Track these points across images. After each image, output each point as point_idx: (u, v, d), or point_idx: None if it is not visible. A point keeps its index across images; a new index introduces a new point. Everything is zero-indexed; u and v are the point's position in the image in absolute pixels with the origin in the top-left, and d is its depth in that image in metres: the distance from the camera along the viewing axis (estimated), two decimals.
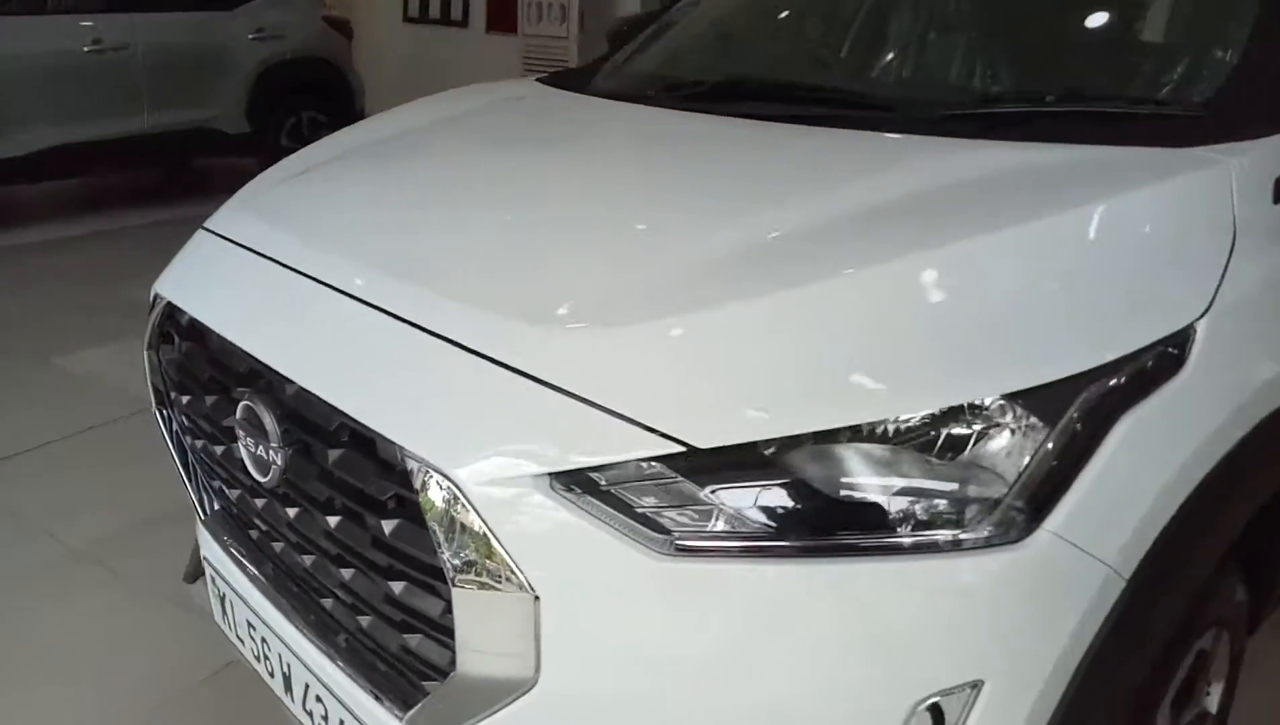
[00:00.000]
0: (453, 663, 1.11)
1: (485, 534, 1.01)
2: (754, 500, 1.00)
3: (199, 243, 1.66)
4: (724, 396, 1.02)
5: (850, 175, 1.43)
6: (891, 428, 1.00)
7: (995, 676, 0.99)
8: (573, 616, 1.01)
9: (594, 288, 1.20)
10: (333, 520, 1.22)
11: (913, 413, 1.00)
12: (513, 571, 1.01)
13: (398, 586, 1.16)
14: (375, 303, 1.24)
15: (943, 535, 0.98)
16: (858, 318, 1.09)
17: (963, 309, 1.09)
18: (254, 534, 1.54)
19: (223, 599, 1.59)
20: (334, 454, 1.19)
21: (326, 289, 1.32)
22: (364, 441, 1.16)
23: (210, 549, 1.62)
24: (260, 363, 1.31)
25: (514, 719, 1.05)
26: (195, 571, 1.81)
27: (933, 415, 1.00)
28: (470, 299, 1.20)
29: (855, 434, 0.99)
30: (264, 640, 1.47)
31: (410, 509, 1.11)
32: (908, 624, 0.98)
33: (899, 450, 1.00)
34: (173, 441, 1.68)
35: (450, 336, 1.14)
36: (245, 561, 1.52)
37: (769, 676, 0.99)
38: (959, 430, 1.00)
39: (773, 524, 0.99)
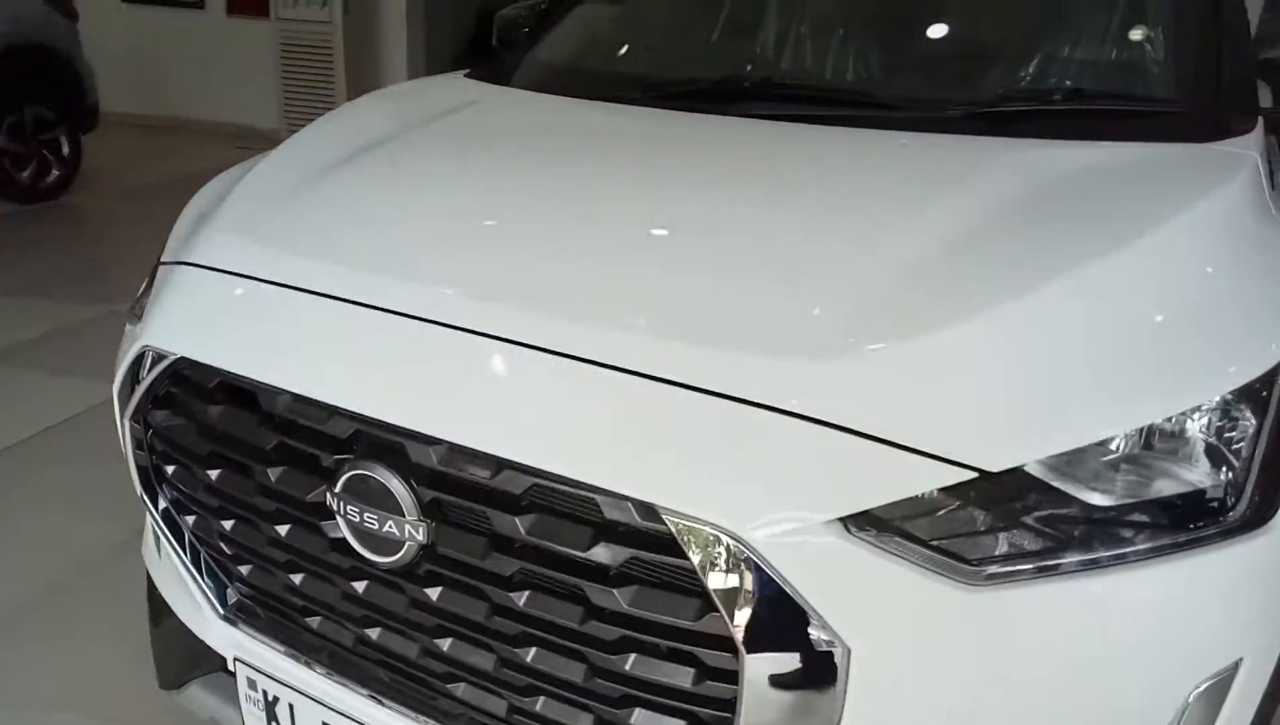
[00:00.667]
0: None
1: (785, 591, 0.91)
2: (1043, 519, 0.97)
3: (190, 283, 1.35)
4: (1001, 416, 0.99)
5: (952, 177, 1.43)
6: (1153, 431, 1.01)
7: (1252, 652, 1.05)
8: (880, 664, 0.94)
9: (813, 310, 1.10)
10: (520, 596, 1.05)
11: (1168, 413, 1.02)
12: (822, 625, 0.92)
13: (625, 660, 1.02)
14: (554, 348, 1.07)
15: (1208, 529, 1.01)
16: (1092, 323, 1.08)
17: (1173, 309, 1.13)
18: (324, 623, 1.30)
19: (271, 703, 1.33)
20: (526, 521, 1.02)
21: (459, 332, 1.12)
22: (568, 504, 1.00)
23: (242, 647, 1.35)
24: (378, 424, 1.09)
25: None
26: (179, 675, 1.51)
27: (1180, 416, 1.02)
28: (680, 335, 1.06)
29: (1125, 441, 1.00)
30: None
31: (652, 573, 0.97)
32: (1186, 617, 1.00)
33: (1161, 454, 1.02)
34: (166, 525, 1.38)
35: (679, 380, 1.01)
36: (315, 657, 1.28)
37: (1073, 688, 0.98)
38: (1199, 429, 1.03)
39: (1062, 540, 0.97)
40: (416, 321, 1.15)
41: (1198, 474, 1.02)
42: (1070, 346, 1.06)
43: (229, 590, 1.40)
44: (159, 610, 1.56)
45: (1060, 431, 0.98)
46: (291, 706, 1.31)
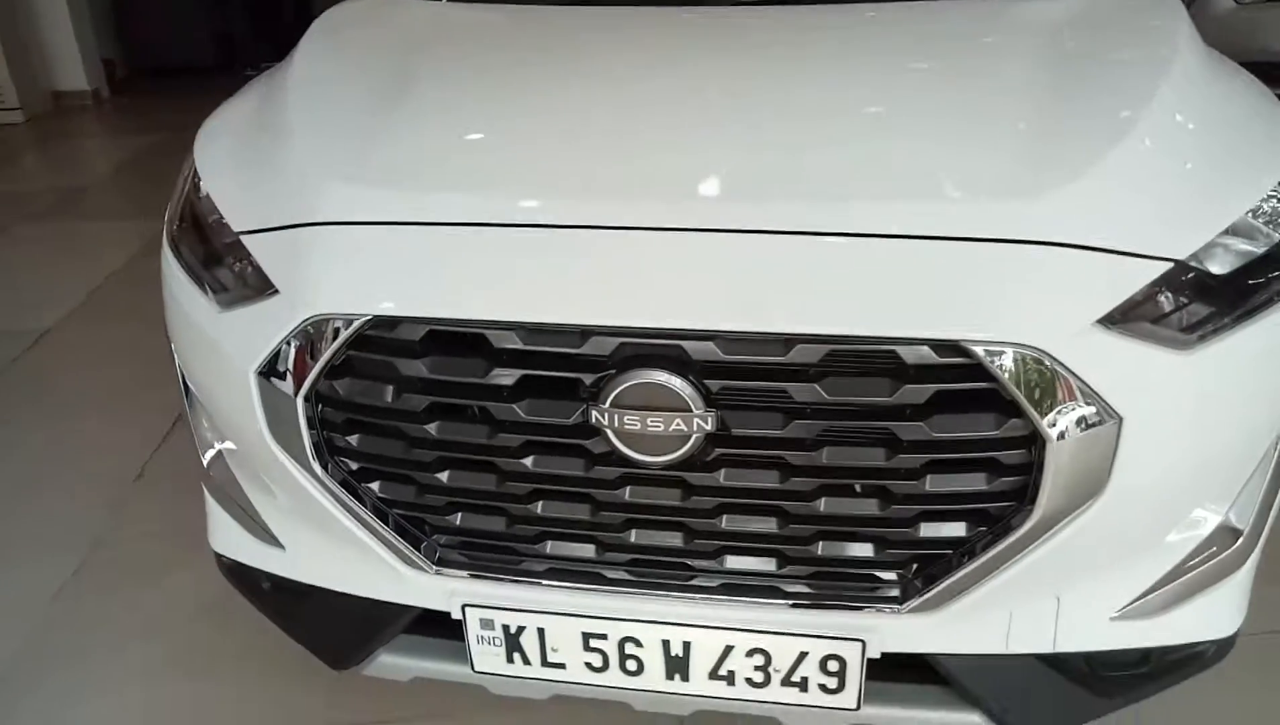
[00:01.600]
0: (982, 521, 1.20)
1: (1074, 384, 1.11)
2: (1216, 285, 1.23)
3: (341, 242, 1.29)
4: (1174, 215, 1.22)
5: (966, 33, 1.67)
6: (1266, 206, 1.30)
7: None
8: (1141, 424, 1.16)
9: (1003, 158, 1.29)
10: (820, 454, 1.17)
11: (1266, 191, 1.30)
12: (1105, 405, 1.12)
13: (924, 482, 1.18)
14: (811, 230, 1.18)
15: None
16: (1195, 133, 1.37)
17: (1222, 116, 1.44)
18: (558, 545, 1.33)
19: (514, 635, 1.36)
20: (827, 385, 1.13)
21: (705, 233, 1.19)
22: (865, 361, 1.13)
23: (464, 593, 1.36)
24: (649, 332, 1.14)
25: (1094, 519, 1.17)
26: (358, 650, 1.49)
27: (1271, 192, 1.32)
28: (917, 195, 1.22)
29: (1253, 214, 1.27)
30: (624, 642, 1.33)
31: (950, 402, 1.13)
32: None
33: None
34: (350, 495, 1.33)
35: (936, 233, 1.15)
36: (558, 578, 1.33)
37: (1250, 414, 1.27)
38: None
39: (1241, 292, 1.23)
40: (651, 232, 1.20)
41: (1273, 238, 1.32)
42: (1192, 153, 1.32)
43: (425, 546, 1.38)
44: (298, 600, 1.51)
45: (1216, 217, 1.24)
46: (541, 630, 1.35)
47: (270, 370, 1.29)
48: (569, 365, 1.18)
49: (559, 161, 1.37)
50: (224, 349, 1.36)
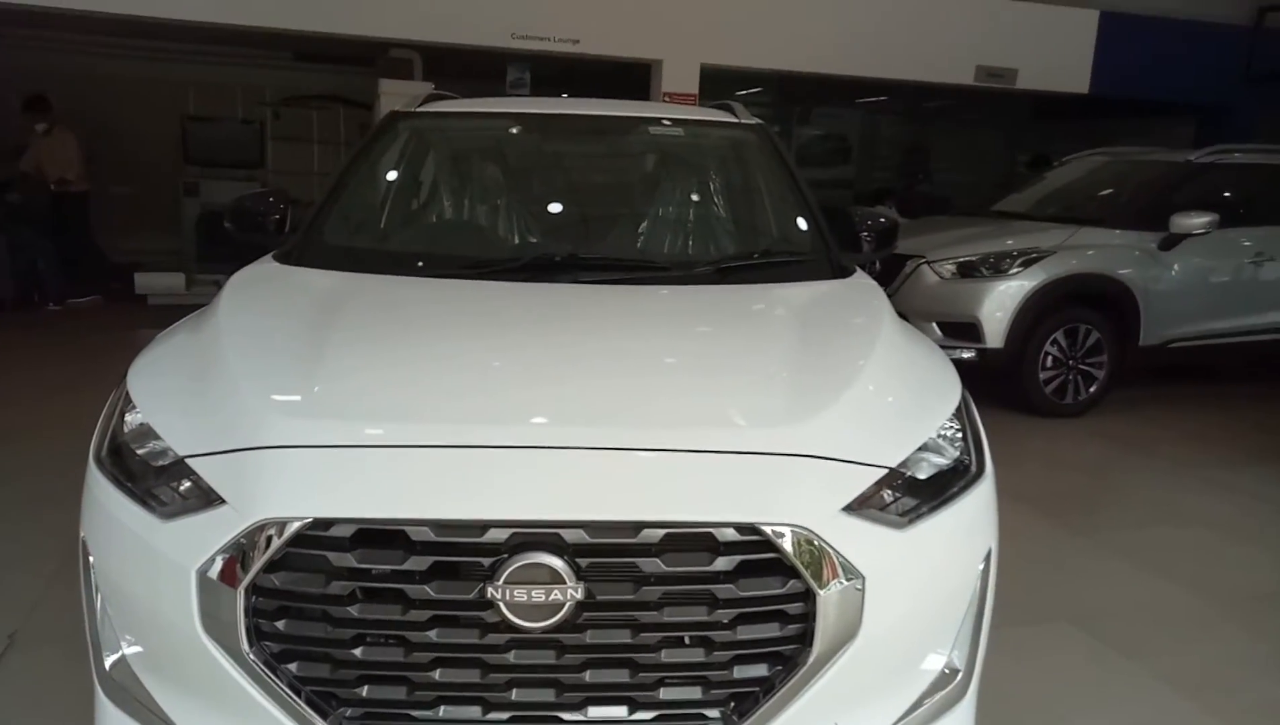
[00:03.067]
0: (777, 662, 1.62)
1: (832, 553, 1.59)
2: (919, 483, 1.79)
3: (283, 462, 1.62)
4: (886, 437, 1.79)
5: (744, 308, 2.29)
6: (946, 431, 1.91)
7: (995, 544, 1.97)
8: (878, 582, 1.63)
9: (771, 396, 1.85)
10: (655, 615, 1.56)
11: (937, 426, 1.92)
12: (853, 568, 1.61)
13: (741, 629, 1.58)
14: (649, 447, 1.66)
15: (964, 480, 1.91)
16: (897, 383, 1.98)
17: (914, 372, 2.09)
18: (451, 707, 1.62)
19: None
20: (666, 559, 1.55)
21: (573, 451, 1.63)
22: (690, 541, 1.57)
23: None
24: (537, 524, 1.54)
25: (854, 657, 1.61)
26: None
27: (940, 427, 1.93)
28: (712, 422, 1.75)
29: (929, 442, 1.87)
30: None
31: (751, 566, 1.58)
32: (970, 523, 1.87)
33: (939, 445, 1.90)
34: (271, 675, 1.57)
35: (737, 449, 1.66)
36: None
37: (952, 573, 1.80)
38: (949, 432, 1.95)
39: (929, 496, 1.78)
40: (535, 449, 1.63)
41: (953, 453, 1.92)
42: (897, 394, 1.94)
43: (331, 718, 1.62)
44: None
45: (914, 437, 1.83)
46: None
47: (212, 569, 1.56)
48: (471, 552, 1.55)
49: (458, 397, 1.81)
50: (164, 554, 1.62)
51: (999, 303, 5.73)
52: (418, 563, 1.55)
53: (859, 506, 1.68)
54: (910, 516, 1.74)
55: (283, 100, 11.18)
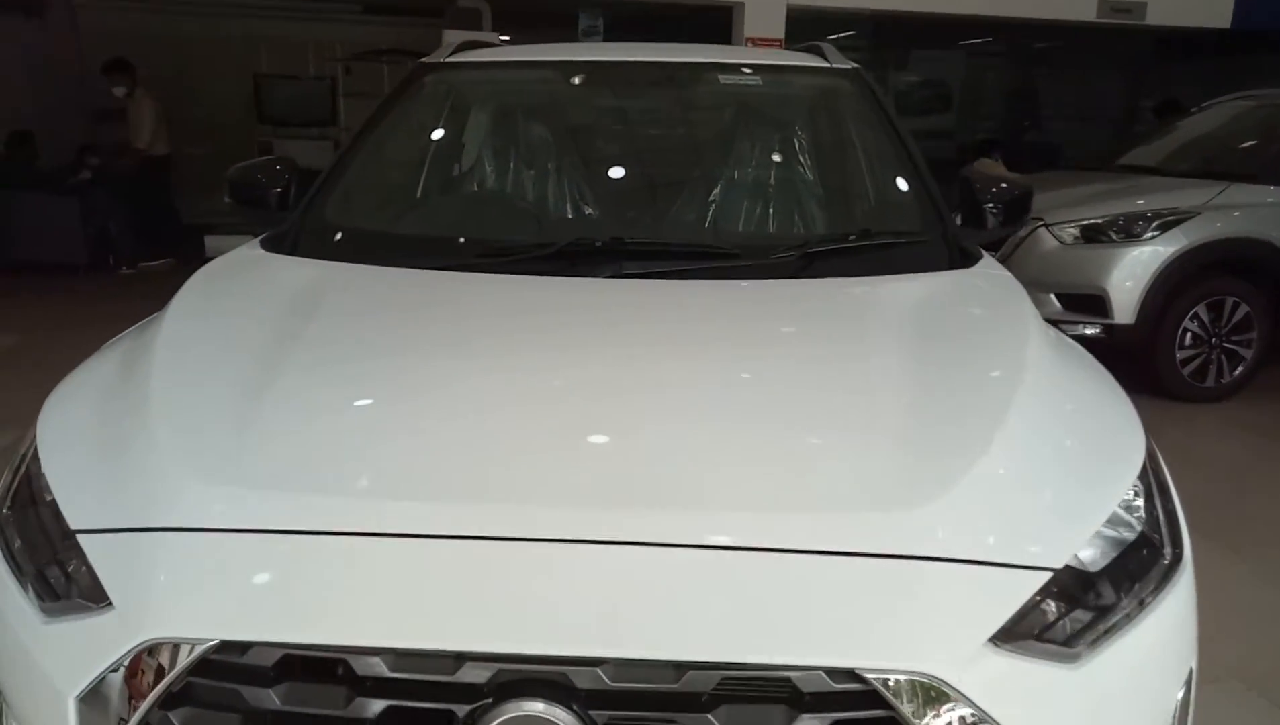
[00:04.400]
0: None
1: (969, 711, 1.07)
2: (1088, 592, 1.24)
3: (188, 551, 1.17)
4: (1044, 525, 1.25)
5: (824, 312, 1.75)
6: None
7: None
8: None
9: (878, 467, 1.28)
10: None
11: (1120, 499, 1.34)
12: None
13: None
14: (695, 543, 1.13)
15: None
16: (1055, 442, 1.40)
17: (1079, 420, 1.50)
18: None
19: None
20: (721, 715, 1.06)
21: (594, 545, 1.13)
22: (759, 688, 1.07)
23: None
24: (531, 659, 1.06)
25: None
26: None
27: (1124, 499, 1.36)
28: (802, 508, 1.20)
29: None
30: None
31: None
32: (1174, 631, 1.28)
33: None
34: None
35: (826, 549, 1.13)
36: None
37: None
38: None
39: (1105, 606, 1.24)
40: (533, 543, 1.14)
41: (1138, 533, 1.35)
42: (1057, 457, 1.36)
43: None
44: None
45: (1082, 522, 1.27)
46: None
47: (94, 698, 1.13)
48: (440, 695, 1.08)
49: (435, 463, 1.30)
50: (43, 667, 1.19)
51: (1130, 272, 4.95)
52: (364, 707, 1.08)
53: (1012, 634, 1.14)
54: (1085, 641, 1.19)
55: (354, 55, 10.85)
